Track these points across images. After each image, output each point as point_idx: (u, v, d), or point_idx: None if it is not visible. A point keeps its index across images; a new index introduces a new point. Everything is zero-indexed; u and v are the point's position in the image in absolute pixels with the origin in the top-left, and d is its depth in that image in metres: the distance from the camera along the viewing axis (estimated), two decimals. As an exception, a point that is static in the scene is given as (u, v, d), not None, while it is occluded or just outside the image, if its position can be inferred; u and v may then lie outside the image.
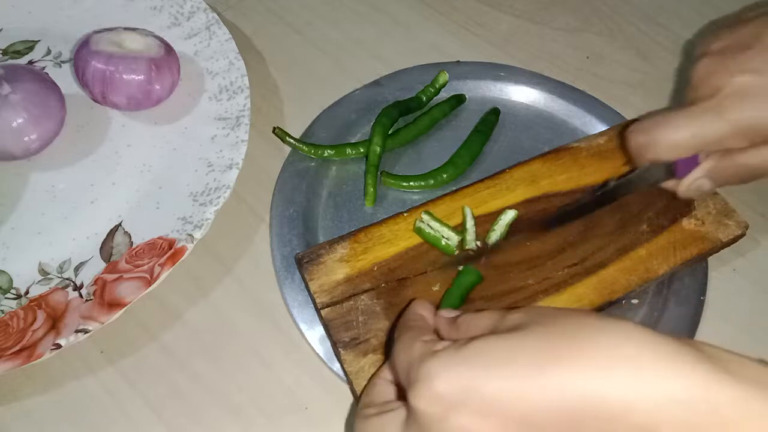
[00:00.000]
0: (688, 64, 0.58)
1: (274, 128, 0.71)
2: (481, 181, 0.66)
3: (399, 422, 0.42)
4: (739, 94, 0.53)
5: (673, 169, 0.60)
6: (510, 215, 0.63)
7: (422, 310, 0.51)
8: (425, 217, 0.62)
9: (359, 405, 0.48)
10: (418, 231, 0.62)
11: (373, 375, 0.52)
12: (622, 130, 0.69)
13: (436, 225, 0.62)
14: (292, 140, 0.70)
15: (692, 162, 0.59)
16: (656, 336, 0.37)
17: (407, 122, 0.73)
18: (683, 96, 0.59)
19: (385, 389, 0.48)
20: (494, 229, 0.62)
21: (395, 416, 0.42)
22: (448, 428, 0.38)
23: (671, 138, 0.56)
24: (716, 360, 0.36)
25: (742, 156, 0.56)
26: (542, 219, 0.63)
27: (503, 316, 0.44)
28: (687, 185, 0.60)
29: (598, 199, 0.63)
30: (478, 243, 0.62)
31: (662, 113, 0.57)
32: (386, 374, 0.49)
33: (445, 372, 0.39)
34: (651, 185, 0.62)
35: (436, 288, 0.60)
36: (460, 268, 0.60)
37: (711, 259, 0.65)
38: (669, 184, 0.62)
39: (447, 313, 0.50)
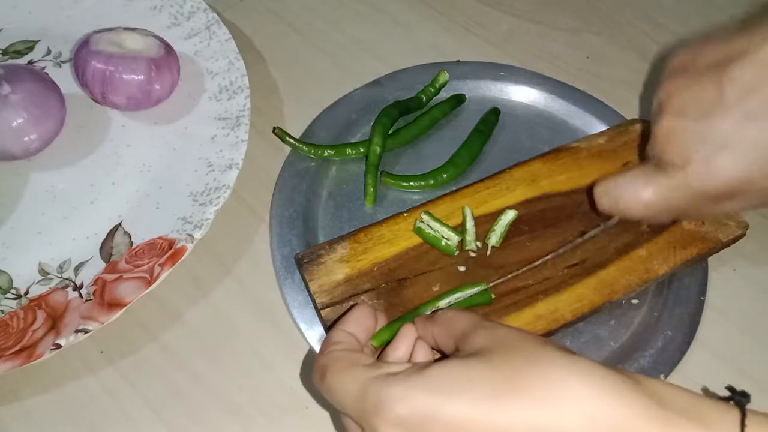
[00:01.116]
0: (650, 104, 0.57)
1: (274, 128, 0.71)
2: (481, 181, 0.66)
3: None
4: (707, 168, 0.51)
5: None
6: (510, 215, 0.63)
7: (355, 322, 0.50)
8: (425, 217, 0.62)
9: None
10: (418, 231, 0.62)
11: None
12: (638, 133, 0.70)
13: (436, 225, 0.62)
14: (291, 140, 0.70)
15: None
16: (602, 370, 0.39)
17: (407, 122, 0.73)
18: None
19: None
20: (494, 230, 0.62)
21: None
22: None
23: (642, 206, 0.55)
24: (653, 393, 0.38)
25: (706, 209, 0.55)
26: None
27: (476, 325, 0.45)
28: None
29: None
30: (478, 244, 0.62)
31: (629, 177, 0.56)
32: None
33: (407, 396, 0.40)
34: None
35: (436, 288, 0.60)
36: (462, 268, 0.60)
37: (711, 259, 0.65)
38: None
39: (397, 349, 0.50)
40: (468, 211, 0.63)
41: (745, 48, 0.49)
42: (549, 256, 0.60)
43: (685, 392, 0.39)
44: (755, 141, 0.48)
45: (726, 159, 0.50)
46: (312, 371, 0.48)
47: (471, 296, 0.58)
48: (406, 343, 0.49)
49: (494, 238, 0.62)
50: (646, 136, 0.63)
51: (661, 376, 0.58)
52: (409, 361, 0.49)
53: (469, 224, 0.63)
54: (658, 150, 0.54)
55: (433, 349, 0.49)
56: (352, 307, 0.52)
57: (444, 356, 0.48)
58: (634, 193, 0.55)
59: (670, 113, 0.52)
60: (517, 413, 0.37)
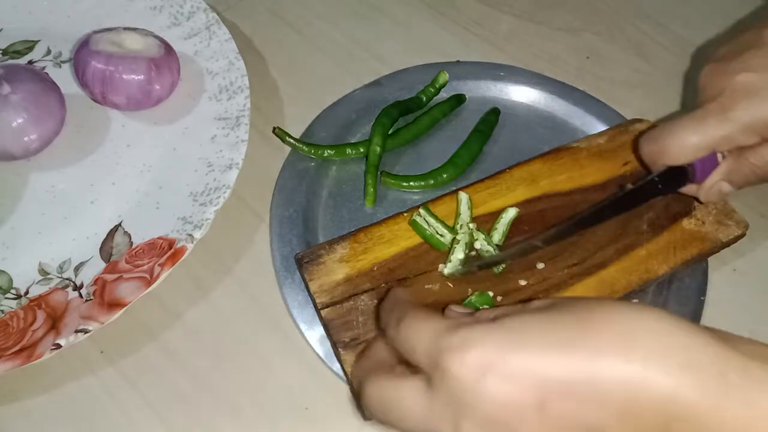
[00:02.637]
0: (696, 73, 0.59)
1: (274, 128, 0.71)
2: (481, 181, 0.66)
3: (418, 389, 0.42)
4: (741, 93, 0.54)
5: (692, 174, 0.60)
6: (511, 213, 0.63)
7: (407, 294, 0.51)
8: (422, 212, 0.62)
9: (358, 371, 0.49)
10: (413, 224, 0.62)
11: (365, 347, 0.52)
12: (636, 137, 0.69)
13: (431, 221, 0.61)
14: (291, 140, 0.70)
15: (710, 165, 0.59)
16: (672, 319, 0.39)
17: (407, 122, 0.73)
18: (685, 97, 0.60)
19: (388, 355, 0.48)
20: (496, 228, 0.62)
21: (413, 383, 0.42)
22: (482, 391, 0.39)
23: (680, 141, 0.57)
24: (726, 338, 0.39)
25: (756, 153, 0.57)
26: (562, 222, 0.61)
27: (525, 305, 0.44)
28: (707, 189, 0.61)
29: (618, 201, 0.61)
30: (471, 225, 0.62)
31: (668, 122, 0.58)
32: (381, 347, 0.49)
33: (482, 340, 0.40)
34: (671, 189, 0.62)
35: (436, 288, 0.60)
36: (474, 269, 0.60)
37: (711, 259, 0.65)
38: (690, 190, 0.62)
39: (459, 308, 0.50)
40: (464, 197, 0.63)
41: None
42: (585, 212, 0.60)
43: (755, 342, 0.40)
44: None
45: (759, 86, 0.52)
46: (383, 322, 0.48)
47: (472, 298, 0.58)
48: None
49: (496, 237, 0.62)
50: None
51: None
52: None
53: (464, 208, 0.63)
54: (701, 91, 0.57)
55: None
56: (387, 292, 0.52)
57: None
58: (678, 134, 0.57)
59: (714, 60, 0.57)
60: (592, 360, 0.38)
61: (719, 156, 0.59)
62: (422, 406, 0.41)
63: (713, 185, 0.60)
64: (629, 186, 0.61)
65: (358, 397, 0.54)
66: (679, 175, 0.60)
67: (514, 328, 0.40)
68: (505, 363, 0.39)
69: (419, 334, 0.43)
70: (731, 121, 0.54)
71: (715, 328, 0.40)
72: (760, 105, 0.54)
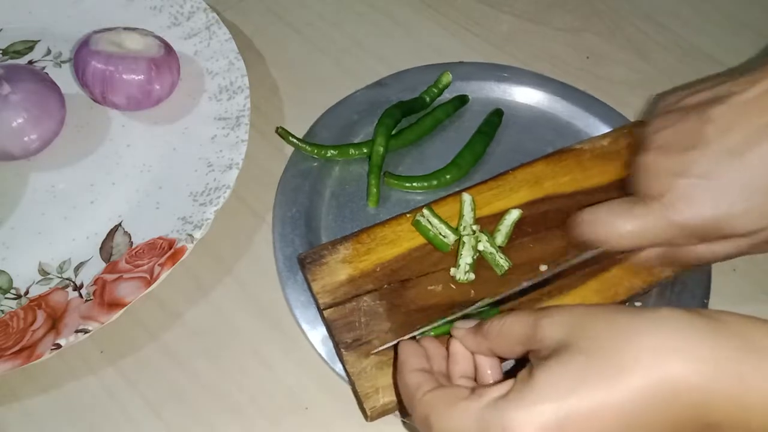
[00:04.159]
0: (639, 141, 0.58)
1: (277, 128, 0.71)
2: (484, 182, 0.66)
3: None
4: (684, 199, 0.52)
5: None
6: (514, 215, 0.63)
7: (413, 357, 0.50)
8: (426, 212, 0.62)
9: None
10: (416, 224, 0.62)
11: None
12: (632, 138, 0.69)
13: (435, 221, 0.61)
14: (295, 140, 0.70)
15: None
16: (688, 316, 0.41)
17: (410, 123, 0.73)
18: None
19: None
20: (499, 229, 0.62)
21: None
22: None
23: (618, 235, 0.55)
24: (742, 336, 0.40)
25: (693, 250, 0.56)
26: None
27: (536, 323, 0.44)
28: (639, 263, 0.61)
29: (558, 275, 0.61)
30: (475, 228, 0.62)
31: (606, 207, 0.57)
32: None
33: (530, 414, 0.40)
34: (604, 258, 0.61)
35: (439, 289, 0.60)
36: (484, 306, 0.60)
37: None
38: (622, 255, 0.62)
39: (463, 325, 0.51)
40: (467, 198, 0.63)
41: (729, 90, 0.51)
42: (525, 284, 0.59)
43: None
44: (734, 177, 0.50)
45: (703, 192, 0.51)
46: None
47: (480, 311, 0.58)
48: (463, 358, 0.50)
49: (500, 238, 0.62)
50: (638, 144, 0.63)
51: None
52: (476, 377, 0.50)
53: (467, 209, 0.63)
54: (639, 183, 0.55)
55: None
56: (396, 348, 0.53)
57: (517, 362, 0.49)
58: (612, 224, 0.56)
59: (653, 149, 0.54)
60: (626, 390, 0.39)
61: None
62: None
63: (644, 261, 0.60)
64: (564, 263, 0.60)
65: (359, 397, 0.54)
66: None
67: (550, 389, 0.40)
68: (568, 420, 0.39)
69: (459, 427, 0.42)
70: (674, 226, 0.53)
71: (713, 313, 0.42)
72: (702, 210, 0.52)
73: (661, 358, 0.39)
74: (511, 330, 0.46)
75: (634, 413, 0.39)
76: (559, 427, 0.39)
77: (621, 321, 0.41)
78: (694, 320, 0.40)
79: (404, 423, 0.57)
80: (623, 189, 0.63)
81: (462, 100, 0.75)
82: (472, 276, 0.60)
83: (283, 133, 0.70)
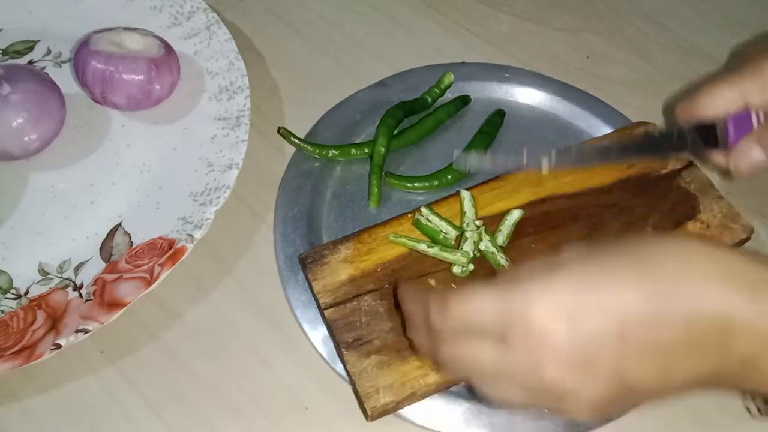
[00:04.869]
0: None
1: (279, 128, 0.71)
2: (486, 182, 0.66)
3: (492, 350, 0.44)
4: None
5: (723, 135, 0.59)
6: (516, 215, 0.63)
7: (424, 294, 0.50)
8: (424, 210, 0.62)
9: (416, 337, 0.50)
10: (416, 223, 0.62)
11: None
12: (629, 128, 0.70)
13: (434, 219, 0.61)
14: (296, 140, 0.70)
15: (744, 127, 0.59)
16: (719, 246, 0.44)
17: (412, 123, 0.73)
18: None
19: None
20: (500, 230, 0.62)
21: (486, 346, 0.44)
22: (564, 335, 0.41)
23: (711, 91, 0.58)
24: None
25: None
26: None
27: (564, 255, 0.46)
28: (739, 154, 0.60)
29: (645, 143, 0.65)
30: (478, 223, 0.62)
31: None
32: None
33: (552, 289, 0.43)
34: (701, 147, 0.62)
35: (439, 289, 0.59)
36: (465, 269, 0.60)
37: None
38: (721, 161, 0.62)
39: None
40: (466, 195, 0.64)
41: None
42: None
43: None
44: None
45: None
46: (415, 319, 0.49)
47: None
48: None
49: (501, 238, 0.62)
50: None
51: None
52: None
53: (468, 206, 0.63)
54: (731, 60, 0.61)
55: None
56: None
57: None
58: (714, 88, 0.59)
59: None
60: (663, 284, 0.42)
61: (754, 118, 0.59)
62: (500, 362, 0.44)
63: (745, 150, 0.59)
64: (658, 131, 0.62)
65: (359, 397, 0.54)
66: (710, 133, 0.60)
67: (578, 272, 0.43)
68: (582, 302, 0.42)
69: (477, 305, 0.44)
70: (765, 73, 0.55)
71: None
72: None
73: (708, 283, 0.41)
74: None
75: (662, 322, 0.41)
76: (580, 308, 0.42)
77: (667, 238, 0.45)
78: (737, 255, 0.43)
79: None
80: (624, 189, 0.63)
81: (464, 101, 0.75)
82: (471, 267, 0.60)
83: (285, 134, 0.70)
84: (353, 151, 0.71)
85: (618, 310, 0.41)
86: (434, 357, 0.48)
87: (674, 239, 0.44)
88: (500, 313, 0.43)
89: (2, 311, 0.60)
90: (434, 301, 0.46)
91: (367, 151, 0.71)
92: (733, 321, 0.41)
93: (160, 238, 0.63)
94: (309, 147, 0.70)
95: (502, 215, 0.63)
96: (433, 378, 0.55)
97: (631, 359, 0.42)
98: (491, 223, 0.63)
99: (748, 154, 0.59)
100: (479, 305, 0.44)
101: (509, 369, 0.44)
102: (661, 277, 0.42)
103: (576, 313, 0.41)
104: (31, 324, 0.58)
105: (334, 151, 0.70)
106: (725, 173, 0.64)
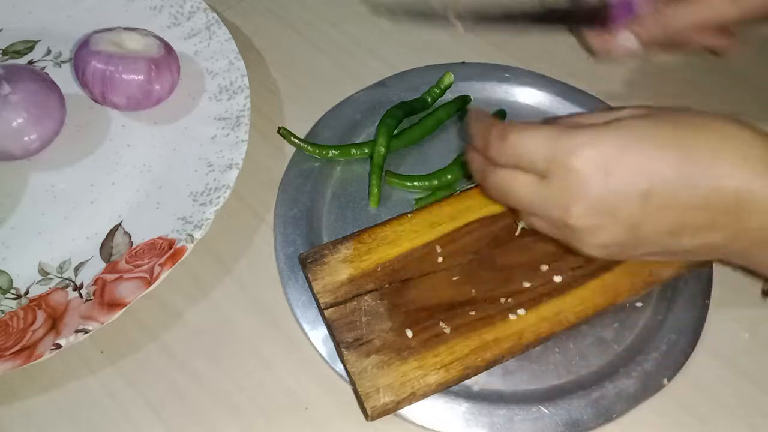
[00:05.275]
0: None
1: (279, 128, 0.71)
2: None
3: (533, 183, 0.51)
4: None
5: (605, 15, 0.65)
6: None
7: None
8: None
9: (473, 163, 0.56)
10: None
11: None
12: None
13: None
14: (296, 140, 0.70)
15: (625, 12, 0.65)
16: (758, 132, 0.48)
17: (412, 123, 0.73)
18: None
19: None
20: None
21: (529, 177, 0.51)
22: (598, 181, 0.48)
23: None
24: None
25: (671, 10, 0.64)
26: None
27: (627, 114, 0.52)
28: (617, 39, 0.67)
29: (533, 15, 0.70)
30: None
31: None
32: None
33: (600, 140, 0.48)
34: (584, 23, 0.69)
35: (440, 289, 0.60)
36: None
37: (715, 263, 0.65)
38: (602, 43, 0.69)
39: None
40: None
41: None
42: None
43: None
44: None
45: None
46: (478, 142, 0.54)
47: None
48: None
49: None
50: None
51: (665, 380, 0.58)
52: None
53: None
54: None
55: None
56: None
57: None
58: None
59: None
60: (695, 155, 0.47)
61: (636, 6, 0.64)
62: (536, 194, 0.50)
63: (623, 37, 0.66)
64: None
65: (359, 397, 0.54)
66: (595, 12, 0.66)
67: (627, 131, 0.48)
68: (621, 158, 0.47)
69: (533, 140, 0.49)
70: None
71: None
72: None
73: (736, 164, 0.47)
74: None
75: (685, 187, 0.47)
76: (616, 163, 0.47)
77: (716, 117, 0.49)
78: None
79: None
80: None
81: (464, 101, 0.75)
82: None
83: (285, 134, 0.70)
84: (353, 151, 0.70)
85: (649, 173, 0.47)
86: (483, 181, 0.55)
87: (721, 120, 0.48)
88: (550, 150, 0.48)
89: (2, 311, 0.59)
90: (497, 128, 0.52)
91: (367, 151, 0.71)
92: (753, 199, 0.46)
93: (160, 238, 0.63)
94: (309, 147, 0.70)
95: (503, 215, 0.63)
96: (433, 378, 0.55)
97: (649, 216, 0.48)
98: (491, 223, 0.63)
99: (625, 42, 0.67)
100: (534, 140, 0.49)
101: (543, 202, 0.50)
102: (696, 152, 0.47)
103: (612, 168, 0.47)
104: (31, 324, 0.58)
105: (334, 151, 0.70)
106: (592, 52, 0.72)
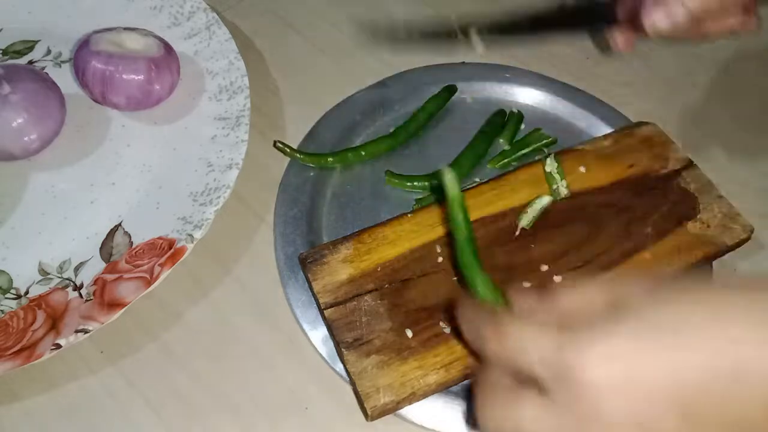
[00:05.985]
0: None
1: (275, 142, 0.70)
2: (486, 182, 0.66)
3: (538, 404, 0.40)
4: None
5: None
6: (545, 200, 0.63)
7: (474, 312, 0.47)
8: (552, 161, 0.66)
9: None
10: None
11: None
12: (643, 136, 0.70)
13: (559, 171, 0.66)
14: (293, 153, 0.70)
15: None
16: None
17: (405, 120, 0.73)
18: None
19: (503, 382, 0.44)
20: (527, 212, 0.63)
21: (531, 399, 0.40)
22: (622, 402, 0.37)
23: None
24: None
25: None
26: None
27: (617, 293, 0.42)
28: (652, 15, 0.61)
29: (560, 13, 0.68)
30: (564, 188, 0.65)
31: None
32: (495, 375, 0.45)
33: (612, 349, 0.38)
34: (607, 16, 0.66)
35: (440, 289, 0.60)
36: None
37: (715, 263, 0.65)
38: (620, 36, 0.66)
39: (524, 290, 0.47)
40: (550, 160, 0.67)
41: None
42: None
43: None
44: None
45: None
46: (471, 337, 0.45)
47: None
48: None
49: (525, 220, 0.62)
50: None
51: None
52: None
53: (551, 167, 0.66)
54: None
55: None
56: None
57: None
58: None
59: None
60: (733, 346, 0.36)
61: None
62: (547, 422, 0.39)
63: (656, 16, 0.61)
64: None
65: (359, 397, 0.54)
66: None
67: (640, 332, 0.38)
68: (643, 371, 0.37)
69: (533, 344, 0.40)
70: None
71: None
72: None
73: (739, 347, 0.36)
74: (591, 297, 0.42)
75: (728, 391, 0.36)
76: (627, 378, 0.37)
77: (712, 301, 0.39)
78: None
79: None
80: (624, 189, 0.63)
81: (450, 91, 0.75)
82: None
83: (282, 148, 0.70)
84: (350, 155, 0.71)
85: (680, 381, 0.37)
86: (478, 387, 0.44)
87: (750, 294, 0.38)
88: (554, 363, 0.39)
89: (2, 311, 0.59)
90: (489, 329, 0.43)
91: (363, 154, 0.71)
92: None
93: (160, 238, 0.63)
94: (305, 158, 0.70)
95: (503, 215, 0.64)
96: (433, 378, 0.55)
97: None
98: (491, 223, 0.63)
99: (657, 19, 0.61)
100: (533, 346, 0.40)
101: (550, 425, 0.39)
102: (734, 339, 0.37)
103: (636, 381, 0.37)
104: (31, 324, 0.58)
105: (331, 159, 0.70)
106: (608, 49, 0.72)
